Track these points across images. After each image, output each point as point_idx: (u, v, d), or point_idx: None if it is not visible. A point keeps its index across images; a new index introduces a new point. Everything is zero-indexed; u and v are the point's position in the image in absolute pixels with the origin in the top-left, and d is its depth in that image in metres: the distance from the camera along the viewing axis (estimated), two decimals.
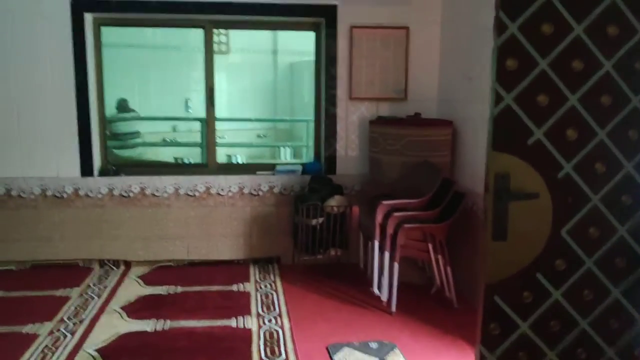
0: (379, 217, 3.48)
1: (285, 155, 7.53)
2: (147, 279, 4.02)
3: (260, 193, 4.31)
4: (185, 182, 4.25)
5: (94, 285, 3.90)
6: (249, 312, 3.45)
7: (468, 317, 3.21)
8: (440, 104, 4.29)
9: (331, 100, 4.30)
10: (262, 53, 8.47)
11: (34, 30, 3.95)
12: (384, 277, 3.49)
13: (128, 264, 4.25)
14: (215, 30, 4.37)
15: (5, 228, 4.15)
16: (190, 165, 5.28)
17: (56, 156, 4.11)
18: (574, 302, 1.93)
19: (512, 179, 1.86)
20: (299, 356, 2.91)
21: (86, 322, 3.28)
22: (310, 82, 4.57)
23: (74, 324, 3.26)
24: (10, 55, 3.96)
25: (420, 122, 4.06)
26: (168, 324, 3.27)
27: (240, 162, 7.37)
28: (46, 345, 2.99)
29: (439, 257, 3.54)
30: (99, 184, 4.19)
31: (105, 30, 4.21)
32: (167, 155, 7.05)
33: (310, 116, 4.66)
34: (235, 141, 7.61)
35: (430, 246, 3.52)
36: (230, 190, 4.29)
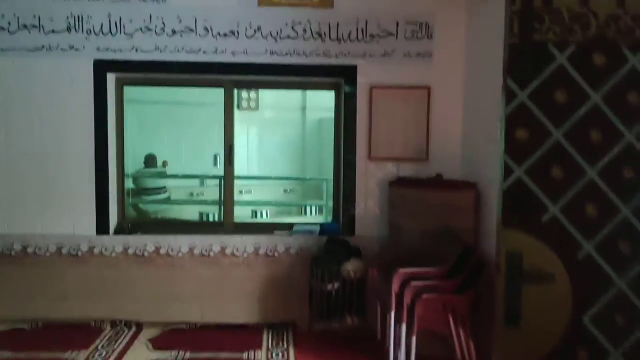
0: (395, 286, 3.28)
1: (310, 211, 7.44)
2: (156, 343, 3.88)
3: (276, 254, 4.19)
4: (200, 241, 4.18)
5: (102, 347, 3.79)
6: None
7: None
8: (464, 165, 4.13)
9: (350, 159, 4.20)
10: (291, 109, 8.55)
11: (58, 90, 4.04)
12: (401, 350, 3.26)
13: (140, 326, 4.14)
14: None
15: (20, 285, 4.12)
16: (206, 223, 5.22)
17: (73, 213, 4.12)
18: None
19: (525, 259, 1.69)
20: None
21: None
22: None
23: None
24: (36, 113, 4.05)
25: (442, 184, 3.90)
26: None
27: (264, 216, 7.30)
28: None
29: (460, 330, 3.30)
30: (114, 242, 4.15)
31: (132, 88, 4.30)
32: (192, 210, 7.06)
33: (331, 174, 4.56)
34: (261, 195, 7.61)
35: (450, 318, 3.29)
36: (245, 251, 4.18)
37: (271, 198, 7.93)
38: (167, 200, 6.76)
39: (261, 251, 4.18)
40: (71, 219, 4.12)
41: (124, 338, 3.97)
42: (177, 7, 4.03)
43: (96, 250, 4.15)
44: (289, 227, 4.39)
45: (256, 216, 7.31)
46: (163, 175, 6.75)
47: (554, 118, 1.70)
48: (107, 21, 4.00)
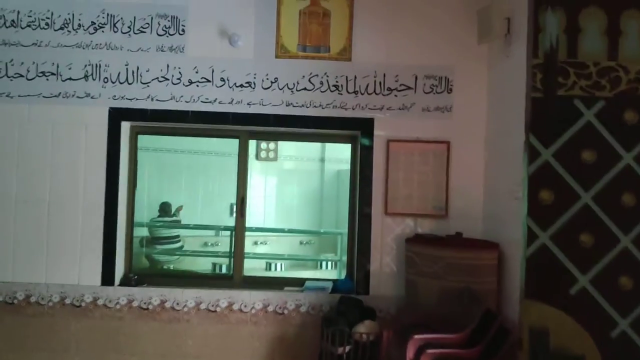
0: (409, 354, 3.06)
1: (326, 265, 7.24)
2: None
3: (286, 312, 3.99)
4: (207, 296, 4.01)
5: None
6: None
7: None
8: (485, 224, 3.95)
9: (366, 214, 4.05)
10: (310, 160, 8.49)
11: (71, 137, 4.02)
12: None
13: None
14: None
15: (22, 336, 3.98)
16: (214, 277, 5.07)
17: (79, 263, 4.01)
18: None
19: (552, 336, 1.50)
20: None
21: None
22: None
23: None
24: (48, 160, 4.02)
25: (462, 242, 3.71)
26: None
27: (279, 268, 7.13)
28: None
29: None
30: (119, 294, 4.01)
31: (151, 136, 4.30)
32: (205, 260, 6.92)
33: (346, 229, 4.40)
34: (277, 246, 7.47)
35: None
36: (254, 307, 4.00)
37: (287, 249, 7.76)
38: (179, 251, 6.64)
39: (270, 308, 4.00)
40: (76, 268, 4.01)
41: None
42: (194, 57, 4.03)
43: (100, 302, 4.01)
44: (300, 282, 4.20)
45: (270, 268, 7.13)
46: (175, 225, 6.66)
47: (581, 179, 1.54)
48: (124, 70, 4.01)
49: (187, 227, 6.78)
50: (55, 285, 4.00)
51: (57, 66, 4.00)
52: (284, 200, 8.43)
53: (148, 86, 4.03)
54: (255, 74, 4.05)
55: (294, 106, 4.06)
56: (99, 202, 4.03)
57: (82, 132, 4.02)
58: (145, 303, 4.02)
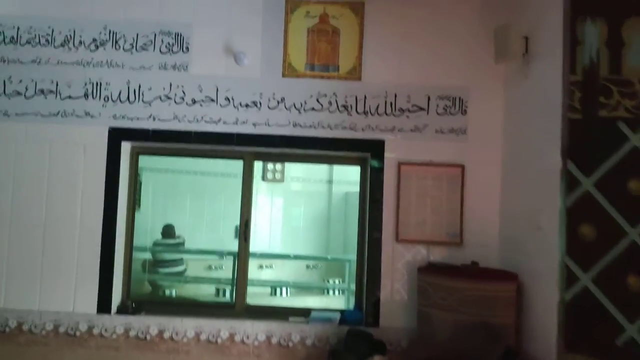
0: None
1: (333, 292, 7.02)
2: None
3: (291, 344, 3.77)
4: (207, 325, 3.80)
5: None
6: None
7: None
8: (503, 252, 3.72)
9: (375, 240, 3.85)
10: (317, 182, 8.34)
11: (69, 158, 3.86)
12: None
13: None
14: None
15: None
16: (215, 305, 4.84)
17: (74, 289, 3.82)
18: None
19: None
20: None
21: None
22: None
23: None
24: (44, 181, 3.85)
25: (478, 273, 3.49)
26: None
27: (284, 293, 6.95)
28: None
29: None
30: (115, 323, 3.81)
31: (155, 157, 4.14)
32: (208, 284, 6.72)
33: (354, 255, 4.20)
34: (282, 271, 7.30)
35: None
36: (257, 339, 3.78)
37: (293, 273, 7.57)
38: (182, 274, 6.45)
39: (274, 340, 3.78)
40: (71, 295, 3.81)
41: None
42: (198, 76, 3.89)
43: (95, 331, 3.81)
44: (306, 312, 3.98)
45: (275, 293, 6.92)
46: (177, 250, 6.49)
47: (628, 212, 1.35)
48: (125, 88, 3.87)
49: (188, 251, 6.60)
50: (49, 313, 3.81)
51: (57, 84, 3.87)
52: (291, 223, 8.26)
53: (150, 105, 3.88)
54: (261, 93, 3.89)
55: (301, 127, 3.89)
56: (97, 226, 3.85)
57: (80, 153, 3.86)
58: (142, 332, 3.81)
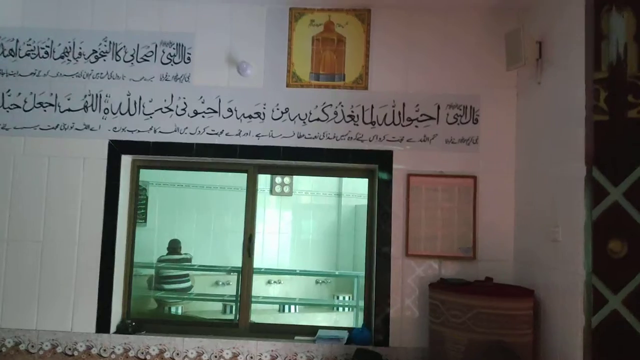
0: None
1: (343, 308, 6.86)
2: None
3: None
4: (210, 345, 3.65)
5: None
6: None
7: None
8: (518, 267, 3.55)
9: (384, 255, 3.69)
10: (326, 195, 8.22)
11: (68, 172, 3.76)
12: None
13: None
14: None
15: None
16: (218, 323, 4.68)
17: (72, 308, 3.69)
18: None
19: None
20: None
21: None
22: None
23: None
24: (43, 196, 3.75)
25: (493, 289, 3.31)
26: None
27: (293, 310, 6.81)
28: None
29: None
30: (114, 343, 3.67)
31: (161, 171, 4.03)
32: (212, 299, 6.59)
33: (362, 270, 4.04)
34: (290, 285, 7.18)
35: None
36: (261, 359, 3.62)
37: (302, 288, 7.44)
38: (187, 290, 6.32)
39: None
40: (69, 314, 3.69)
41: None
42: (200, 87, 3.79)
43: (94, 351, 3.67)
44: (312, 330, 3.82)
45: (284, 310, 6.77)
46: (182, 266, 6.36)
47: None
48: (126, 100, 3.77)
49: (192, 268, 6.47)
50: (47, 332, 3.68)
51: (56, 97, 3.78)
52: (300, 237, 8.12)
53: (151, 117, 3.78)
54: (264, 104, 3.78)
55: (306, 138, 3.77)
56: (96, 242, 3.73)
57: (79, 166, 3.76)
58: (142, 352, 3.67)
